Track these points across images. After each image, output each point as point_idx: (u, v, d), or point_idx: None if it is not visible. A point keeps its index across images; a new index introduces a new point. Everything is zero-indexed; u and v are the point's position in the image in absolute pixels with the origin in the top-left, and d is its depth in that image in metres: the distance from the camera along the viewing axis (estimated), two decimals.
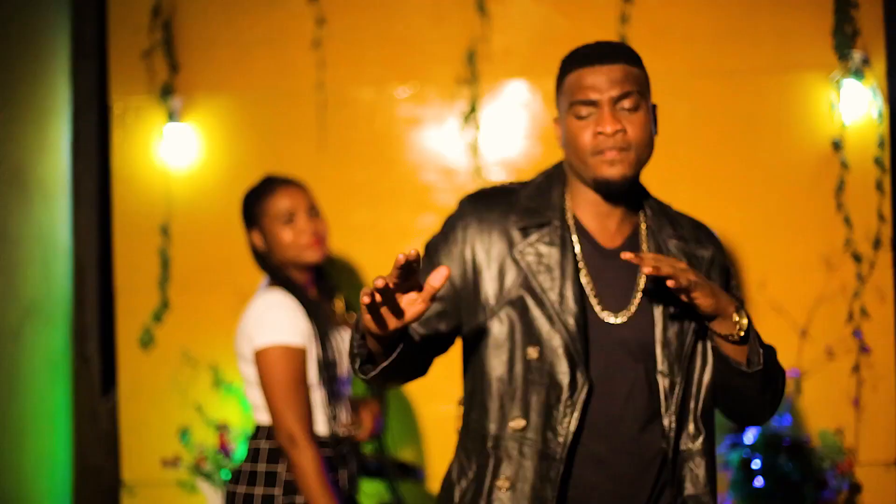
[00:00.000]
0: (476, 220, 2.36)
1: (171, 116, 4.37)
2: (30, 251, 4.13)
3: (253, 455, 3.20)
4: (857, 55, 4.17)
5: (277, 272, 3.28)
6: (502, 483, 2.26)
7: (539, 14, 4.37)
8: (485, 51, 4.35)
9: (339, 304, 3.37)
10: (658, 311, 2.28)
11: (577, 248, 2.32)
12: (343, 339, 3.22)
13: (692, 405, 2.29)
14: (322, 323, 3.16)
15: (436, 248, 2.38)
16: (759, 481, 3.97)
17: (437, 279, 1.95)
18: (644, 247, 2.34)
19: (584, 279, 2.29)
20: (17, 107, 4.11)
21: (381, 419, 3.43)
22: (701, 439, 2.29)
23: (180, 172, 4.42)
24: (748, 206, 4.26)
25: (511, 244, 2.32)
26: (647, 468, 2.29)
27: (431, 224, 4.35)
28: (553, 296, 2.25)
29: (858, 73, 4.17)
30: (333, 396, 3.15)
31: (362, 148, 4.41)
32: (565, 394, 2.22)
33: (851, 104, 4.21)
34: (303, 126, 4.40)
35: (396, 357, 2.10)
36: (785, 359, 4.12)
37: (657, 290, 2.26)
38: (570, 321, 2.23)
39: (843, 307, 4.22)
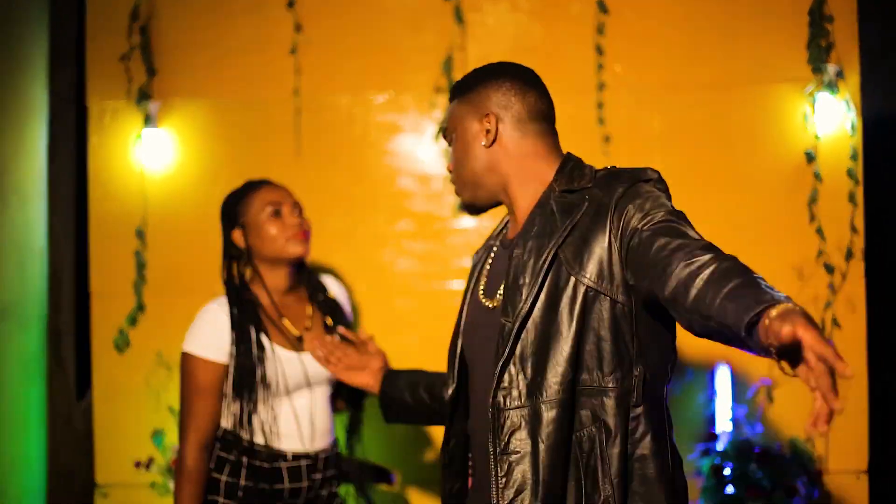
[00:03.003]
0: None
1: (148, 120, 4.38)
2: (5, 254, 4.14)
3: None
4: (831, 68, 4.20)
5: (234, 282, 3.28)
6: None
7: (516, 24, 4.39)
8: (461, 59, 4.37)
9: (309, 311, 3.35)
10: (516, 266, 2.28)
11: (494, 250, 2.53)
12: (280, 360, 3.20)
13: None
14: (245, 344, 3.15)
15: None
16: (729, 489, 4.00)
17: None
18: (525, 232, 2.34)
19: (483, 276, 2.51)
20: None
21: None
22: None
23: (156, 176, 4.43)
24: (722, 216, 4.27)
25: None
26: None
27: (407, 230, 4.37)
28: (463, 303, 2.57)
29: (832, 86, 4.20)
30: (249, 416, 3.16)
31: (339, 154, 4.43)
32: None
33: (825, 117, 4.24)
34: (279, 132, 4.41)
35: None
36: (757, 368, 4.21)
37: (513, 261, 2.30)
38: (457, 330, 2.53)
39: (816, 317, 4.19)
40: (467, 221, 4.35)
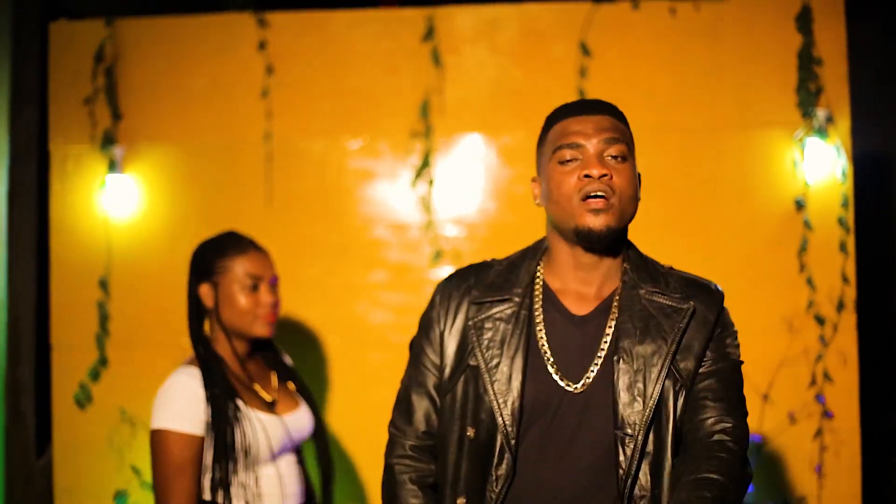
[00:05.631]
0: (445, 297, 2.42)
1: (113, 166, 4.24)
2: None
3: None
4: (820, 113, 4.10)
5: (201, 341, 3.06)
6: None
7: (495, 66, 4.26)
8: (439, 103, 4.24)
9: (274, 379, 3.18)
10: (621, 375, 2.21)
11: (540, 319, 2.30)
12: (262, 423, 3.00)
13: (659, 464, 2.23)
14: (222, 412, 2.94)
15: (420, 348, 2.44)
16: None
17: None
18: (614, 311, 2.28)
19: (543, 349, 2.28)
20: None
21: None
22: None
23: (121, 224, 4.28)
24: (708, 265, 4.14)
25: (468, 318, 2.35)
26: None
27: (382, 280, 4.23)
28: (499, 374, 2.26)
29: (822, 131, 4.10)
30: (226, 486, 2.93)
31: (311, 201, 4.29)
32: (493, 476, 2.25)
33: (815, 162, 4.13)
34: (250, 178, 4.27)
35: None
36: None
37: (620, 354, 2.23)
38: (510, 404, 2.24)
39: (806, 371, 4.13)
40: (445, 272, 4.21)
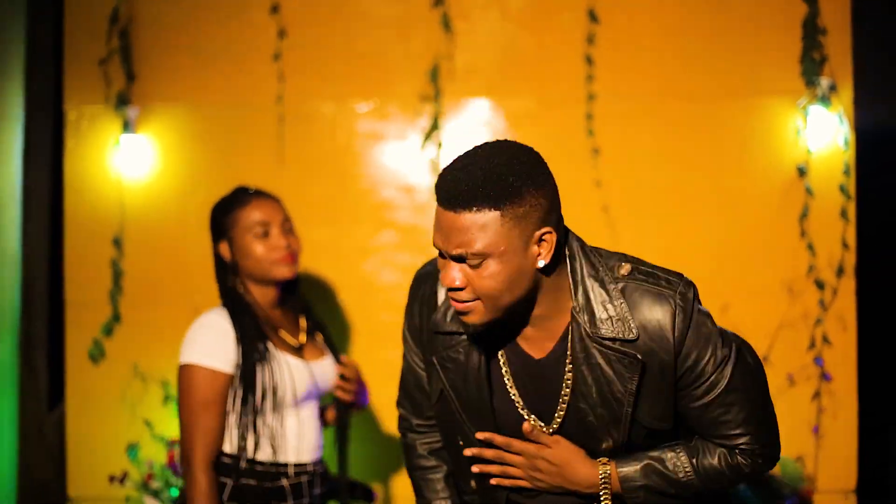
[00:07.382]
0: (416, 300, 2.39)
1: (127, 126, 4.28)
2: None
3: None
4: (824, 81, 4.14)
5: (230, 291, 3.15)
6: None
7: (504, 32, 4.30)
8: (448, 68, 4.29)
9: (303, 324, 3.26)
10: (586, 413, 2.16)
11: (503, 360, 2.24)
12: (289, 366, 3.09)
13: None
14: (252, 351, 3.02)
15: (407, 345, 2.45)
16: None
17: None
18: (568, 356, 2.15)
19: (511, 391, 2.23)
20: None
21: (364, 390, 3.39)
22: None
23: (135, 183, 4.32)
24: (711, 229, 4.22)
25: (432, 350, 2.31)
26: None
27: (391, 242, 4.28)
28: (468, 414, 2.26)
29: (825, 100, 4.15)
30: (254, 425, 3.01)
31: (322, 163, 4.34)
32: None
33: (817, 130, 4.18)
34: (261, 139, 4.32)
35: None
36: None
37: (585, 393, 2.15)
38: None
39: (805, 334, 4.19)
40: None
